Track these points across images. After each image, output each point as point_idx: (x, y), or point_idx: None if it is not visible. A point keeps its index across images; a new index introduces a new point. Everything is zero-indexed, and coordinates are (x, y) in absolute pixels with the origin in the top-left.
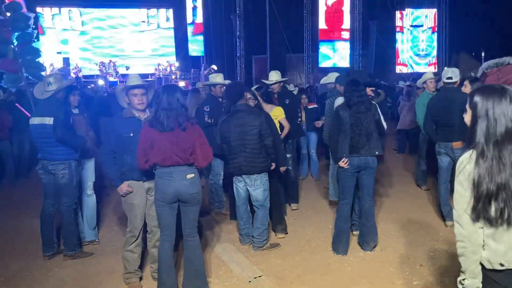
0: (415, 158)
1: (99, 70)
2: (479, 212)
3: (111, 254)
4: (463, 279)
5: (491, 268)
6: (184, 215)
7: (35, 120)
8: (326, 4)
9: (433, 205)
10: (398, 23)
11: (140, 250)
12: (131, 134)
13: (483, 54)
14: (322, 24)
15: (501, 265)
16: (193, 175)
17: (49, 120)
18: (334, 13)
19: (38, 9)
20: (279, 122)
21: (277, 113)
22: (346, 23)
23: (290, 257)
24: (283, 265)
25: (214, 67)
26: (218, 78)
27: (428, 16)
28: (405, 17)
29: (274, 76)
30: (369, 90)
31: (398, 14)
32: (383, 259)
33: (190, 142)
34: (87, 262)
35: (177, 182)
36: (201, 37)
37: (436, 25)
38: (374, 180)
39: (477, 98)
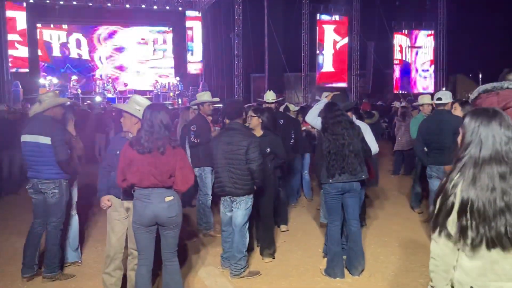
0: (410, 180)
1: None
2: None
3: (92, 276)
4: None
5: None
6: (163, 238)
7: (27, 138)
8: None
9: (426, 229)
10: (396, 44)
11: (120, 273)
12: (117, 153)
13: (480, 75)
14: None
15: None
16: (171, 197)
17: (44, 139)
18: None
19: (38, 25)
20: None
21: None
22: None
23: (276, 283)
24: None
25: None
26: (205, 96)
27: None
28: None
29: (271, 96)
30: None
31: (396, 35)
32: (371, 285)
33: (169, 165)
34: (67, 285)
35: (154, 205)
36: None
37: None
38: (367, 202)
39: (466, 120)
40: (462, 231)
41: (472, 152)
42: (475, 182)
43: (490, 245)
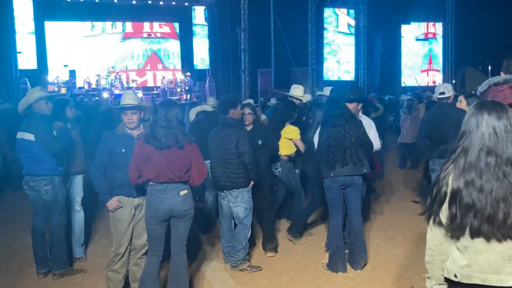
0: (416, 173)
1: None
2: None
3: (96, 272)
4: (432, 286)
5: (446, 277)
6: (174, 230)
7: (18, 135)
8: None
9: None
10: (403, 36)
11: (125, 270)
12: (123, 150)
13: (489, 67)
14: None
15: (455, 276)
16: (186, 191)
17: (28, 136)
18: None
19: (46, 23)
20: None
21: (289, 131)
22: None
23: (277, 277)
24: (269, 285)
25: None
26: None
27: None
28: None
29: (299, 92)
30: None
31: (403, 27)
32: (373, 280)
33: (186, 160)
34: (72, 280)
35: (170, 199)
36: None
37: (441, 38)
38: (373, 197)
39: (468, 109)
40: (452, 219)
41: (465, 142)
42: (464, 172)
43: (474, 234)
